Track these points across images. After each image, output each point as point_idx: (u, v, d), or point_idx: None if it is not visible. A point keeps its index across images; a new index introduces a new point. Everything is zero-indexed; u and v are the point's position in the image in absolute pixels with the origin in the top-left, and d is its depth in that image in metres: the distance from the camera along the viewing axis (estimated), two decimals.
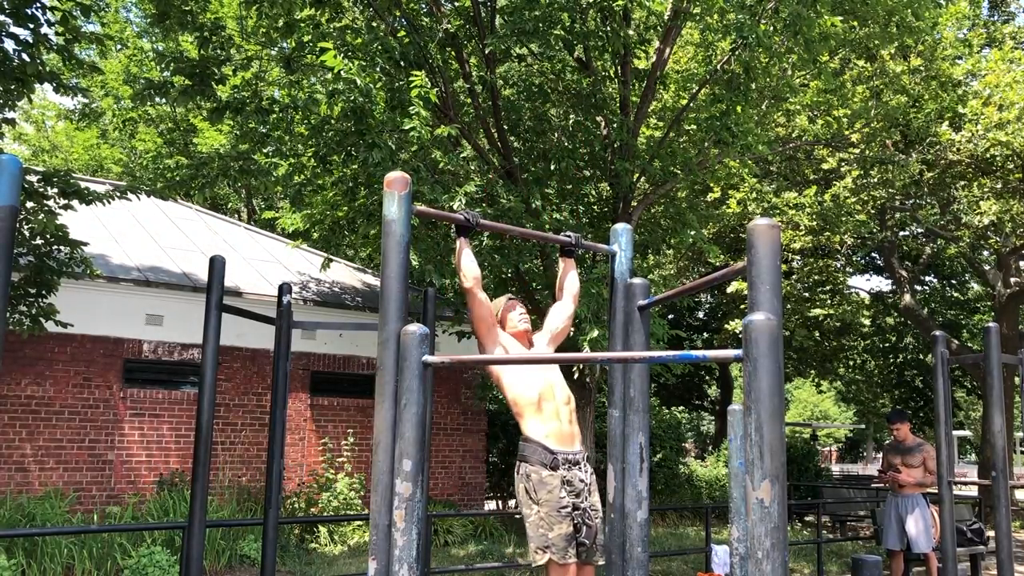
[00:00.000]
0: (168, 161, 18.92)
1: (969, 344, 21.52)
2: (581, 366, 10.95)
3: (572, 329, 9.85)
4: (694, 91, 11.49)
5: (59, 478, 10.86)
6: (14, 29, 8.05)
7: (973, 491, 21.50)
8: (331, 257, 13.42)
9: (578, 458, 3.91)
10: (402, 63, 9.82)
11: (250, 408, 12.34)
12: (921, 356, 23.95)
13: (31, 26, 7.91)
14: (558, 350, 4.44)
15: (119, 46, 20.77)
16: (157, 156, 20.22)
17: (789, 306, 17.85)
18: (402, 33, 9.77)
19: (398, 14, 10.42)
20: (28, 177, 8.27)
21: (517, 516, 15.26)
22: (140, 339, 11.65)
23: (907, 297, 18.31)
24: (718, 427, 25.28)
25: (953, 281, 23.93)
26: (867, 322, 18.75)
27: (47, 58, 9.87)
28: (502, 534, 12.72)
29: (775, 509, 2.11)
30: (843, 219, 15.24)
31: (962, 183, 16.03)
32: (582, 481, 3.87)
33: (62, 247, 8.81)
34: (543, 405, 3.89)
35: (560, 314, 4.24)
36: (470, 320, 3.96)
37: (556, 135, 11.57)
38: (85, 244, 8.94)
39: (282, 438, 4.87)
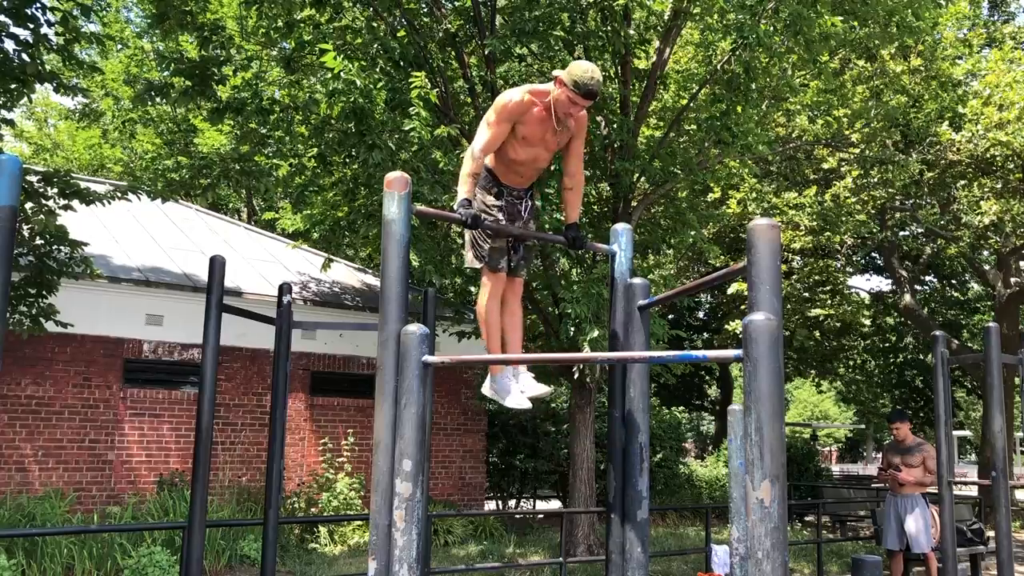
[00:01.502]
0: (167, 162, 18.92)
1: (969, 344, 21.51)
2: (581, 366, 10.94)
3: (572, 328, 9.85)
4: (694, 91, 11.48)
5: (59, 478, 10.86)
6: (14, 29, 8.05)
7: (973, 491, 21.50)
8: (332, 257, 13.41)
9: (521, 193, 4.12)
10: (402, 63, 9.81)
11: (250, 408, 12.34)
12: (921, 356, 23.95)
13: (31, 26, 7.91)
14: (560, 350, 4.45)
15: (119, 46, 20.77)
16: (157, 157, 20.22)
17: (789, 306, 17.83)
18: (402, 33, 9.76)
19: (398, 14, 10.41)
20: (28, 177, 8.27)
21: (517, 516, 15.26)
22: (140, 339, 11.65)
23: (907, 297, 18.31)
24: (718, 427, 25.28)
25: (953, 281, 23.92)
26: (867, 322, 18.74)
27: (47, 58, 9.87)
28: (502, 534, 12.72)
29: (775, 509, 2.11)
30: (843, 219, 15.23)
31: (962, 183, 16.03)
32: (519, 211, 4.10)
33: (62, 247, 8.81)
34: (513, 166, 4.01)
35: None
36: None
37: None
38: (85, 244, 8.93)
39: (282, 438, 4.87)
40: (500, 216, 3.98)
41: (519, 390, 3.85)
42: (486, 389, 3.97)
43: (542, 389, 3.89)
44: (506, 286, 4.05)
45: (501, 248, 3.99)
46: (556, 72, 3.79)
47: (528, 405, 3.85)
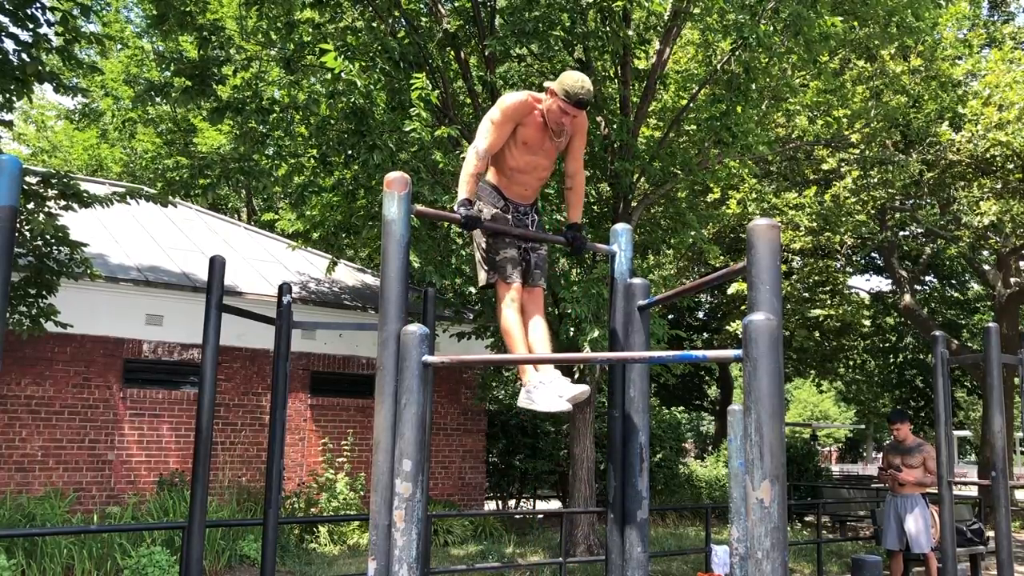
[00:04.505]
0: (167, 161, 18.91)
1: (969, 344, 21.52)
2: (581, 366, 10.95)
3: (572, 328, 9.84)
4: (694, 91, 11.48)
5: (59, 478, 10.86)
6: (14, 29, 8.05)
7: (973, 491, 21.50)
8: (336, 259, 13.39)
9: (527, 209, 4.08)
10: (402, 64, 9.81)
11: (250, 408, 12.34)
12: (921, 356, 23.95)
13: (31, 26, 7.91)
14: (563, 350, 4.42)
15: (119, 46, 20.77)
16: (156, 156, 20.21)
17: (789, 306, 17.84)
18: (402, 34, 9.76)
19: (398, 14, 10.41)
20: (28, 179, 8.27)
21: (517, 516, 15.27)
22: (140, 339, 11.65)
23: (907, 297, 18.31)
24: (718, 427, 25.27)
25: (953, 281, 23.92)
26: (867, 322, 18.74)
27: (47, 58, 9.87)
28: (502, 534, 12.72)
29: (775, 509, 2.11)
30: (843, 219, 15.24)
31: (962, 183, 16.03)
32: (527, 227, 4.07)
33: (62, 248, 8.80)
34: (515, 176, 3.98)
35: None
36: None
37: None
38: (85, 245, 8.92)
39: (282, 438, 4.87)
40: (509, 221, 3.94)
41: (556, 394, 3.67)
42: (522, 401, 3.80)
43: (578, 389, 3.65)
44: (525, 297, 3.93)
45: (513, 258, 3.89)
46: (548, 83, 3.84)
47: (567, 407, 3.65)
